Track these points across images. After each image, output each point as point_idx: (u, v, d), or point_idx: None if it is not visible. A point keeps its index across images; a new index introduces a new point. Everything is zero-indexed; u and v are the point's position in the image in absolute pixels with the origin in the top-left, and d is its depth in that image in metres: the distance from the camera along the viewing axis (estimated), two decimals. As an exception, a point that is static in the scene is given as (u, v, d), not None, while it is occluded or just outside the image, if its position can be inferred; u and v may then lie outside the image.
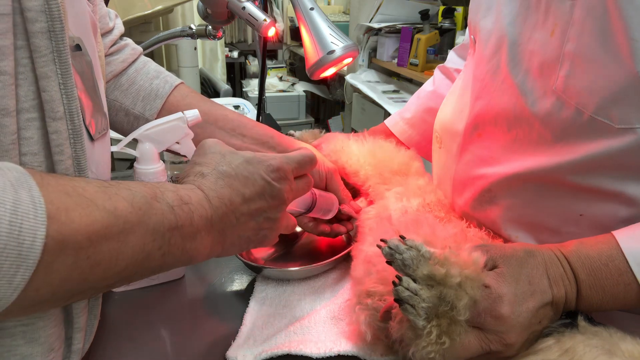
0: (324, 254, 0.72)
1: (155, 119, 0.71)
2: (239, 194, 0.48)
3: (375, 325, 0.52)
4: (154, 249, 0.40)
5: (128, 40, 0.75)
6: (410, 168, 0.74)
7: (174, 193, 0.43)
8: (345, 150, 0.77)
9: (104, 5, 0.68)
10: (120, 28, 0.72)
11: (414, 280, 0.44)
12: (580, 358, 0.40)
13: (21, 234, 0.30)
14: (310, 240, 0.78)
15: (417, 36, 2.28)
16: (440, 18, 2.32)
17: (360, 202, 0.76)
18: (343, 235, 0.76)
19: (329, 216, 0.70)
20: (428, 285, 0.43)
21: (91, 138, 0.48)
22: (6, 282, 0.30)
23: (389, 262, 0.46)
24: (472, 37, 0.65)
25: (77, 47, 0.46)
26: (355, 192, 0.78)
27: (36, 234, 0.31)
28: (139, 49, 0.75)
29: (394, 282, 0.44)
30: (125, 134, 0.72)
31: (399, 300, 0.43)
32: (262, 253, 0.73)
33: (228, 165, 0.49)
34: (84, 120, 0.46)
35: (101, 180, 0.41)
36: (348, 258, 0.68)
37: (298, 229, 0.79)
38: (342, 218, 0.73)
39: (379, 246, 0.47)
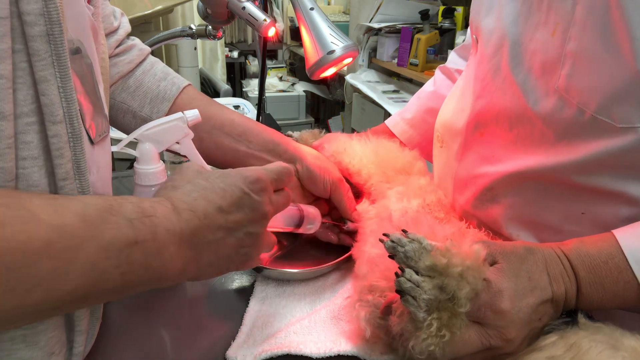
0: (326, 255, 0.72)
1: None
2: (215, 206, 0.44)
3: (375, 323, 0.52)
4: (109, 268, 0.36)
5: (136, 40, 0.73)
6: (414, 167, 0.74)
7: (135, 205, 0.40)
8: (348, 151, 0.77)
9: (109, 4, 0.67)
10: (126, 27, 0.71)
11: (417, 273, 0.44)
12: (586, 353, 0.40)
13: None
14: (311, 241, 0.78)
15: (417, 36, 2.28)
16: (440, 18, 2.32)
17: (363, 203, 0.75)
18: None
19: (312, 231, 0.67)
20: (430, 277, 0.43)
21: (91, 141, 0.47)
22: None
23: (391, 256, 0.46)
24: (474, 36, 0.65)
25: (77, 50, 0.45)
26: (358, 193, 0.78)
27: None
28: (147, 49, 0.74)
29: (396, 274, 0.44)
30: None
31: (400, 291, 0.44)
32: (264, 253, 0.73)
33: (204, 179, 0.46)
34: (84, 123, 0.46)
35: (52, 194, 0.38)
36: (347, 260, 0.68)
37: None
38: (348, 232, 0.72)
39: (381, 240, 0.47)
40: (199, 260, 0.44)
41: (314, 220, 0.66)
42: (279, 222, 0.61)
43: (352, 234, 0.72)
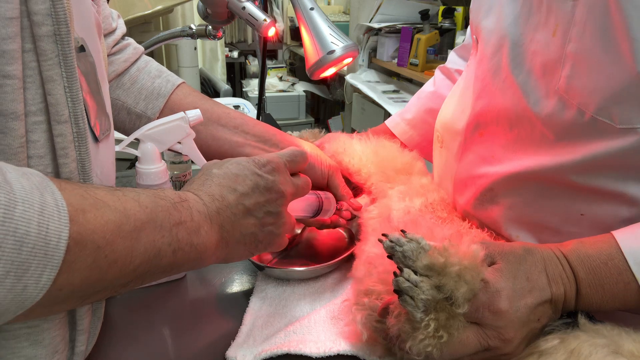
0: (327, 255, 0.72)
1: (158, 117, 0.71)
2: (231, 189, 0.49)
3: (371, 326, 0.52)
4: (164, 245, 0.41)
5: (130, 40, 0.75)
6: (414, 168, 0.74)
7: (173, 192, 0.45)
8: (348, 150, 0.77)
9: (107, 6, 0.69)
10: (122, 28, 0.72)
11: (415, 273, 0.44)
12: (586, 358, 0.40)
13: (48, 234, 0.32)
14: (312, 241, 0.78)
15: (417, 36, 2.28)
16: (440, 18, 2.32)
17: (362, 198, 0.76)
18: (345, 235, 0.76)
19: (328, 216, 0.71)
20: (428, 277, 0.43)
21: (96, 139, 0.48)
22: (34, 282, 0.32)
23: (389, 256, 0.46)
24: (474, 37, 0.65)
25: (82, 49, 0.46)
26: (358, 192, 0.78)
27: (61, 235, 0.33)
28: (141, 48, 0.76)
29: (395, 273, 0.44)
30: (128, 133, 0.72)
31: (398, 291, 0.44)
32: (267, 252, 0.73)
33: (217, 168, 0.51)
34: (89, 121, 0.46)
35: (106, 185, 0.42)
36: (349, 258, 0.68)
37: (298, 230, 0.79)
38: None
39: (380, 240, 0.47)
40: (228, 238, 0.48)
41: (330, 206, 0.70)
42: (299, 209, 0.64)
43: (343, 212, 0.74)
